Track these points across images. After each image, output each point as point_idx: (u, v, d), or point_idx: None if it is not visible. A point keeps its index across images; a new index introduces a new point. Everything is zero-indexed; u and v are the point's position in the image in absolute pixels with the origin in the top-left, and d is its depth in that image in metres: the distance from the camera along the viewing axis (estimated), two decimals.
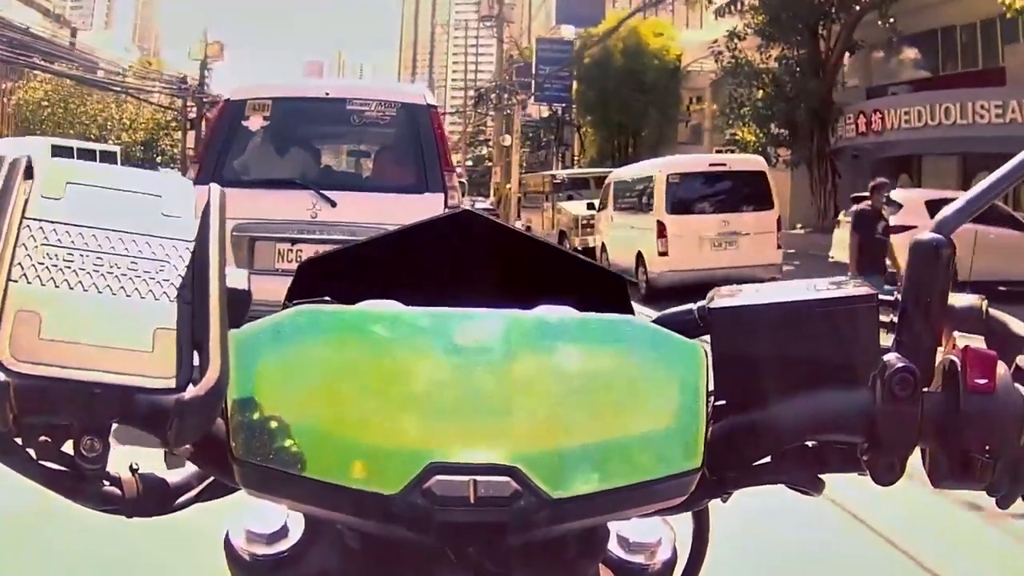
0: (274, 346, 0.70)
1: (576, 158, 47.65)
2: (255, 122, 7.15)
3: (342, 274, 0.87)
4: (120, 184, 0.72)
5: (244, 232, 6.65)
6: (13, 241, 0.66)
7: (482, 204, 41.60)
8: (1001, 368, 0.70)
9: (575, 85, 46.95)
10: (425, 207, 6.31)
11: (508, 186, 37.62)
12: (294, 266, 5.74)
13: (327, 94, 7.62)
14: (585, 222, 22.28)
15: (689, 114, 43.48)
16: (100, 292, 0.65)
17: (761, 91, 27.52)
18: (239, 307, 0.74)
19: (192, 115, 50.25)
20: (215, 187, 0.72)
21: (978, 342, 0.72)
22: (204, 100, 49.57)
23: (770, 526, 4.38)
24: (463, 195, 9.58)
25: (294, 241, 6.79)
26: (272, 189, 6.90)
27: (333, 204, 6.82)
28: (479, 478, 0.66)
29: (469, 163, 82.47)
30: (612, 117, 43.01)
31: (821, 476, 0.78)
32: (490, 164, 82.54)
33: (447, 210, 1.02)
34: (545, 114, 57.83)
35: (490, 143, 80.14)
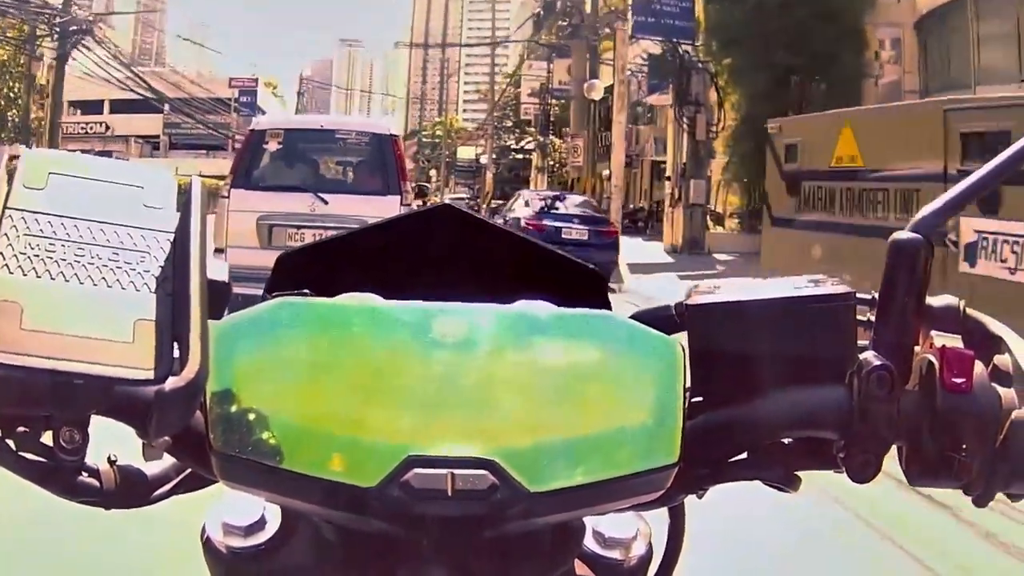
0: (253, 338, 0.70)
1: (715, 126, 25.96)
2: (272, 145, 10.42)
3: (322, 267, 0.87)
4: (102, 175, 0.72)
5: (265, 221, 9.74)
6: None
7: (576, 200, 21.69)
8: (978, 368, 0.71)
9: (701, 7, 26.17)
10: (387, 205, 9.60)
11: (604, 173, 26.26)
12: (299, 244, 7.93)
13: (322, 126, 11.44)
14: None
15: (880, 66, 24.02)
16: (81, 283, 0.66)
17: None
18: (219, 299, 0.75)
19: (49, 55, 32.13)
20: (196, 179, 0.72)
21: (956, 341, 0.72)
22: (71, 30, 31.37)
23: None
24: (416, 197, 13.32)
25: (299, 227, 9.69)
26: (284, 192, 9.99)
27: (325, 202, 9.82)
28: (457, 471, 0.67)
29: (494, 155, 71.58)
30: (774, 56, 22.42)
31: (797, 473, 0.78)
32: (521, 156, 66.46)
33: (433, 204, 1.08)
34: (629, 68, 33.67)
35: (521, 130, 65.97)
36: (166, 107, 52.99)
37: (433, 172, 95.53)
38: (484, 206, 48.01)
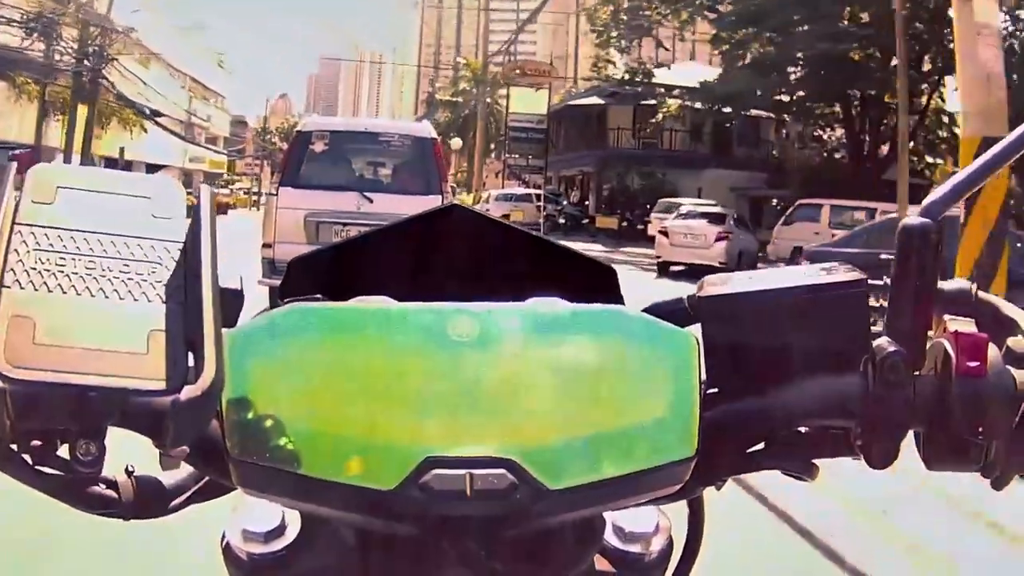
0: (267, 345, 0.70)
1: None
2: (319, 145, 10.85)
3: (334, 271, 0.87)
4: (110, 187, 0.72)
5: (313, 218, 10.11)
6: (4, 247, 0.66)
7: None
8: (992, 351, 0.71)
9: None
10: (429, 205, 8.54)
11: None
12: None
13: (366, 129, 12.00)
14: None
15: None
16: (93, 296, 0.66)
17: None
18: (232, 306, 0.75)
19: None
20: (204, 187, 0.73)
21: (969, 325, 0.72)
22: None
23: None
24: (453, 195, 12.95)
25: (345, 224, 9.98)
26: (331, 191, 10.34)
27: (370, 201, 10.23)
28: (475, 471, 0.67)
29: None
30: None
31: (815, 461, 0.78)
32: (663, 117, 36.38)
33: (436, 206, 1.11)
34: None
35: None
36: None
37: (456, 142, 53.49)
38: None
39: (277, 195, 10.42)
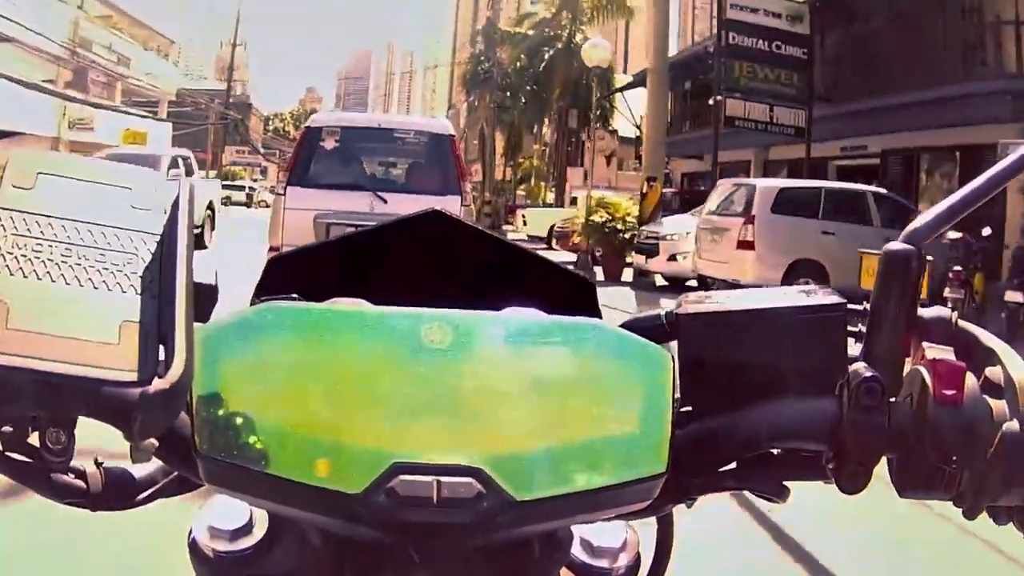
0: (240, 342, 0.70)
1: None
2: (329, 142, 10.32)
3: (312, 271, 0.87)
4: (91, 175, 0.72)
5: (323, 219, 9.48)
6: None
7: None
8: (970, 380, 0.70)
9: None
10: (447, 205, 8.44)
11: None
12: None
13: (379, 125, 11.35)
14: None
15: None
16: (68, 283, 0.65)
17: None
18: (206, 301, 0.75)
19: None
20: (185, 181, 0.73)
21: (947, 353, 0.72)
22: None
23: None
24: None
25: (357, 227, 8.18)
26: (342, 191, 9.86)
27: (384, 201, 9.71)
28: (443, 478, 0.66)
29: None
30: None
31: (786, 483, 0.78)
32: None
33: (419, 211, 1.10)
34: None
35: None
36: None
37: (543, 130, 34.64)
38: None
39: (284, 195, 9.88)
